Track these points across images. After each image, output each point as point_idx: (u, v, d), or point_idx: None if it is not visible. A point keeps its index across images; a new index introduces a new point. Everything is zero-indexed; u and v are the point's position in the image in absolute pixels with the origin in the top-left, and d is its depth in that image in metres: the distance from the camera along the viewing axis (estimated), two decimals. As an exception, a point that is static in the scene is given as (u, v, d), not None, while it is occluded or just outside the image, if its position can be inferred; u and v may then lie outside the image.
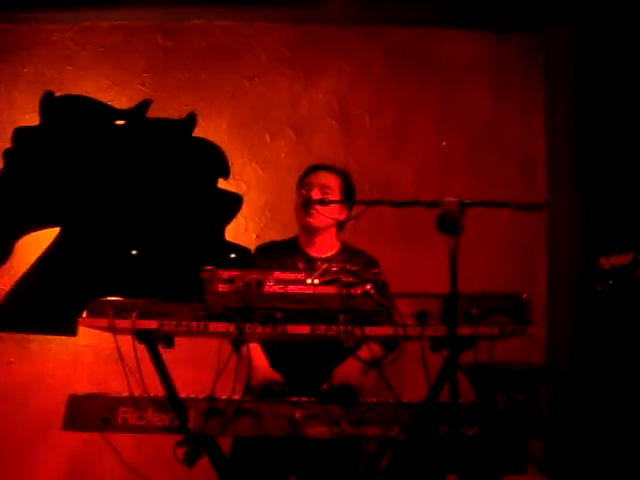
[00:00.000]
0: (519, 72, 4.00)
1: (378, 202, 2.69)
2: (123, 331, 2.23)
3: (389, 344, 2.74)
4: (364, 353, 2.64)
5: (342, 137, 3.98)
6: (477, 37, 4.00)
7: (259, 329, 2.18)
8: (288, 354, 2.72)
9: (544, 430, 2.43)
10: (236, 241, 3.88)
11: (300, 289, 2.21)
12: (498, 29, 3.84)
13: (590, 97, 3.61)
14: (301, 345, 2.69)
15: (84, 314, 2.24)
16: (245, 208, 3.93)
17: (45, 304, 3.72)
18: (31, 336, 3.81)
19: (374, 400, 2.35)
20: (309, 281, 2.21)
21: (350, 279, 2.21)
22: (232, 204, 3.90)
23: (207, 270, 2.21)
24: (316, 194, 2.82)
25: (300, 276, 2.22)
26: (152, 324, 2.19)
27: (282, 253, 2.87)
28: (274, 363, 2.72)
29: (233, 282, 2.21)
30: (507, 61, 4.01)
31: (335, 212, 2.86)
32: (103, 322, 2.20)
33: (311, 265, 2.74)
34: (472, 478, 2.83)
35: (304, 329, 2.18)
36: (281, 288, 2.21)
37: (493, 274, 3.79)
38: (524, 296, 2.26)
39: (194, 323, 2.20)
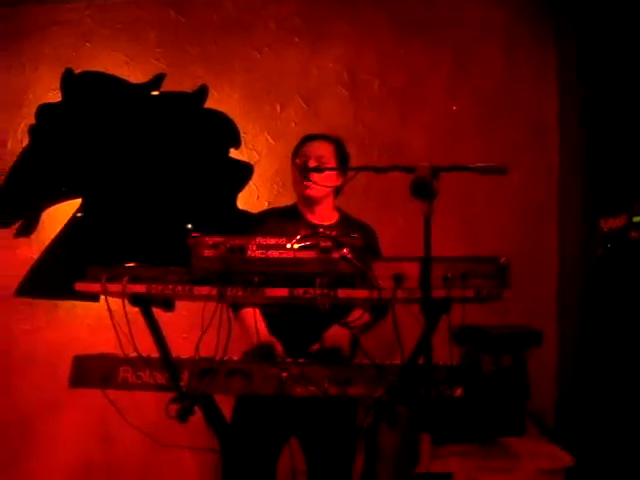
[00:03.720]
0: (530, 34, 3.93)
1: (363, 168, 2.78)
2: (115, 294, 2.37)
3: (378, 311, 2.84)
4: (355, 316, 2.77)
5: (351, 103, 4.01)
6: (487, 0, 3.95)
7: (240, 292, 2.28)
8: (286, 319, 2.81)
9: (528, 393, 2.44)
10: (248, 209, 3.98)
11: (280, 254, 2.29)
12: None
13: (603, 60, 3.53)
14: (298, 310, 2.81)
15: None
16: (257, 177, 4.03)
17: (70, 272, 3.89)
18: (59, 302, 4.03)
19: (363, 362, 2.44)
20: (289, 246, 2.30)
21: (328, 243, 2.30)
22: (243, 173, 4.01)
23: (193, 237, 2.31)
24: (312, 164, 2.90)
25: (281, 241, 2.30)
26: (141, 288, 2.31)
27: (284, 220, 2.95)
28: (273, 327, 2.82)
29: (217, 247, 2.31)
30: (518, 24, 3.95)
31: (332, 179, 2.94)
32: (97, 287, 2.34)
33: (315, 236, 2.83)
34: (464, 438, 2.92)
35: (282, 292, 2.26)
36: (262, 253, 2.29)
37: (504, 239, 3.78)
38: (502, 259, 2.25)
39: (179, 287, 2.30)
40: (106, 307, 2.32)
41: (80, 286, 2.38)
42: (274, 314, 2.86)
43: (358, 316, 2.67)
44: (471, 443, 2.87)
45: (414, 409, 2.41)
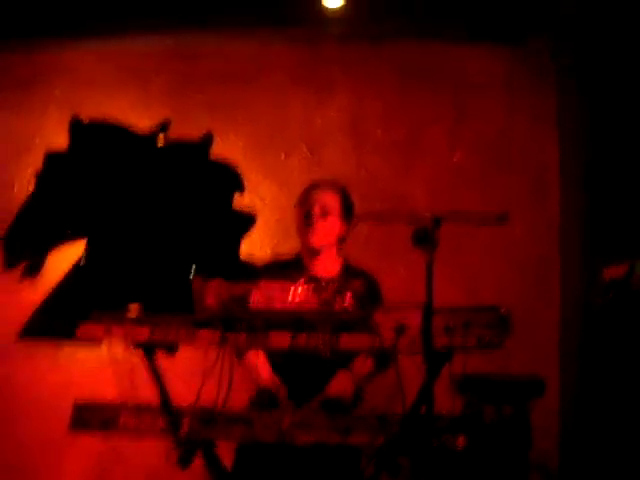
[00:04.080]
0: (530, 86, 4.03)
1: (367, 217, 2.83)
2: (118, 339, 2.39)
3: (381, 361, 2.81)
4: (358, 366, 2.78)
5: (354, 152, 4.08)
6: (487, 52, 4.05)
7: (242, 338, 2.30)
8: (290, 365, 2.80)
9: (530, 442, 2.44)
10: (251, 255, 4.04)
11: (283, 301, 2.33)
12: (507, 41, 3.89)
13: (604, 108, 3.60)
14: (302, 357, 2.81)
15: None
16: (260, 224, 4.08)
17: (74, 315, 3.92)
18: (61, 345, 4.02)
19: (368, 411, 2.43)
20: (291, 293, 2.32)
21: (330, 293, 2.32)
22: (246, 221, 4.06)
23: (197, 282, 2.34)
24: (317, 212, 2.91)
25: (284, 288, 2.33)
26: (144, 332, 2.33)
27: (288, 273, 2.89)
28: (278, 373, 2.81)
29: (220, 294, 2.35)
30: (518, 75, 4.05)
31: (336, 228, 2.94)
32: (100, 331, 2.37)
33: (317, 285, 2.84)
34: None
35: (285, 338, 2.26)
36: (265, 302, 2.33)
37: (506, 288, 3.83)
38: (503, 310, 2.28)
39: (182, 331, 2.33)
40: (108, 352, 2.35)
41: (83, 329, 2.39)
42: (279, 360, 2.85)
43: (361, 364, 2.67)
44: (473, 494, 2.85)
45: (416, 459, 2.41)
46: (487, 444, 2.37)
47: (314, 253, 2.96)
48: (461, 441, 2.35)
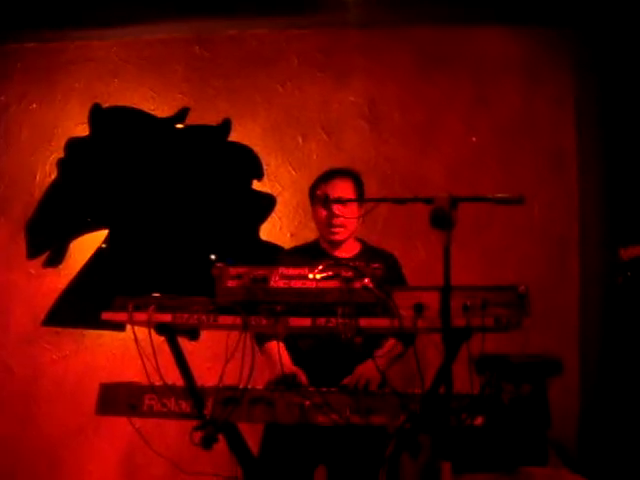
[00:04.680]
0: (549, 67, 4.00)
1: (383, 199, 2.84)
2: (141, 324, 2.42)
3: (407, 339, 2.80)
4: (385, 349, 2.79)
5: (372, 136, 4.09)
6: (506, 33, 4.01)
7: (263, 322, 2.31)
8: (312, 353, 2.86)
9: (549, 421, 2.44)
10: (272, 239, 4.08)
11: (303, 284, 2.34)
12: (527, 23, 3.87)
13: (620, 89, 3.58)
14: (324, 344, 2.82)
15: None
16: (280, 208, 4.12)
17: (97, 301, 3.97)
18: (85, 331, 4.12)
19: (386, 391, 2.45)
20: (311, 276, 2.34)
21: (349, 273, 2.34)
22: (266, 204, 4.10)
23: (217, 267, 2.37)
24: (336, 208, 2.91)
25: (303, 271, 2.34)
26: (167, 317, 2.36)
27: (308, 258, 2.92)
28: (300, 361, 2.83)
29: (241, 278, 2.36)
30: (537, 56, 4.02)
31: (354, 213, 2.96)
32: (123, 316, 2.40)
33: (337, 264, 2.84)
34: (485, 467, 2.91)
35: (305, 321, 2.30)
36: (285, 283, 2.34)
37: (526, 269, 3.83)
38: (521, 288, 2.27)
39: (204, 316, 2.36)
40: (132, 336, 2.37)
41: (107, 315, 2.44)
42: (301, 348, 2.89)
43: (391, 348, 2.69)
44: (493, 472, 2.87)
45: (436, 437, 2.43)
46: (505, 423, 2.37)
47: (335, 244, 3.01)
48: (480, 419, 2.38)
